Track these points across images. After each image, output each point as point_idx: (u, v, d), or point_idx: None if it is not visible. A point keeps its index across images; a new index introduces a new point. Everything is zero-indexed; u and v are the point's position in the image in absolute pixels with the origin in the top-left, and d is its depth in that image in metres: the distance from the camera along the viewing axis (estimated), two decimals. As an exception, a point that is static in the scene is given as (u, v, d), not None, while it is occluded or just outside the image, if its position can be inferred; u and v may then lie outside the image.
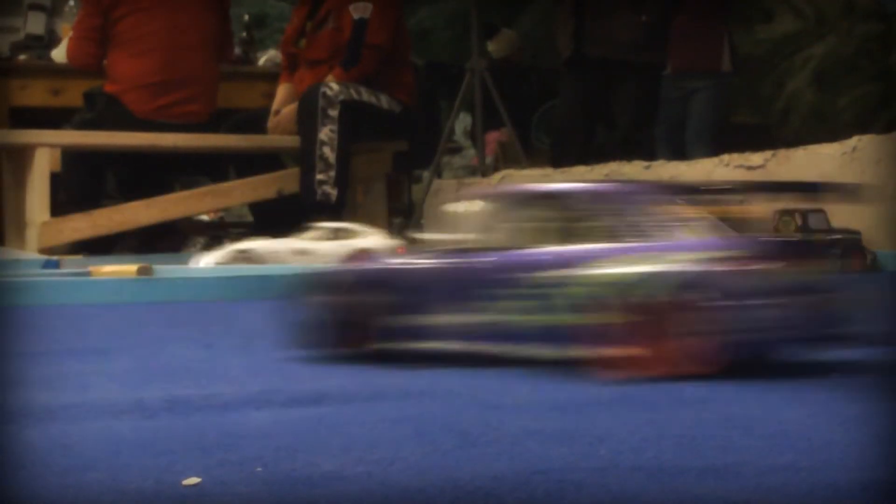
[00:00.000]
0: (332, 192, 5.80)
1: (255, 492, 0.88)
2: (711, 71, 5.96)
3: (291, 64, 6.30)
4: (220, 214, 8.54)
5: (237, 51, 6.82)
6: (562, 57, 6.03)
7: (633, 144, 5.59)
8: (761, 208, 1.80)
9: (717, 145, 6.02)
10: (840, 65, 8.49)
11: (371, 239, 3.41)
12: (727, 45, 6.10)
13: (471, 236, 1.70)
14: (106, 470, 0.95)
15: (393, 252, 3.04)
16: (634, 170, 4.90)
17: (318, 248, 3.38)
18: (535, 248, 1.63)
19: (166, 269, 3.40)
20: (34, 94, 6.36)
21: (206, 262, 3.28)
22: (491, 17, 7.86)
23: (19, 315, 2.53)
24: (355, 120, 5.85)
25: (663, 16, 5.78)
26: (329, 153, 5.77)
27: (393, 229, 6.69)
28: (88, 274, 3.20)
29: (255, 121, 6.27)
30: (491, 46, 7.94)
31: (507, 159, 7.21)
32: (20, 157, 5.56)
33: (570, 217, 1.65)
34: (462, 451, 1.01)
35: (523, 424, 1.12)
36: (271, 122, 6.16)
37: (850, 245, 3.15)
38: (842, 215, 3.49)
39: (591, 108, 5.96)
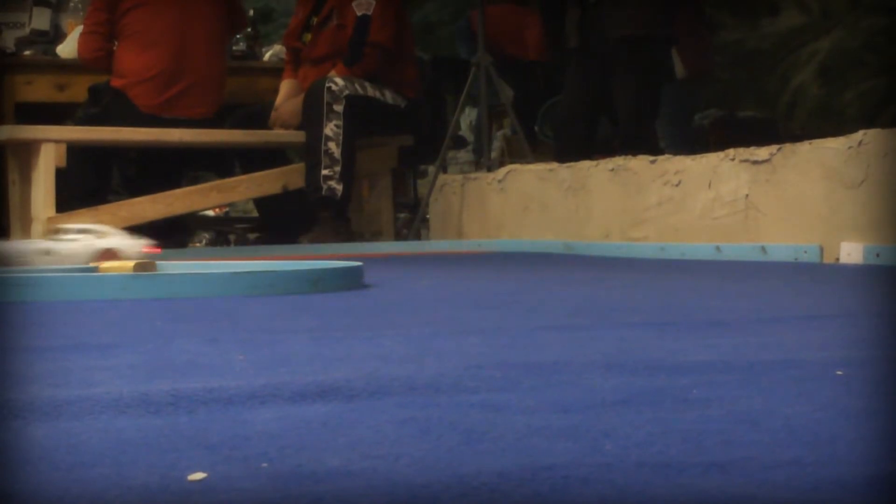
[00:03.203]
0: (338, 188, 5.82)
1: (260, 487, 0.88)
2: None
3: (294, 59, 6.32)
4: (226, 209, 8.55)
5: (242, 45, 6.83)
6: (566, 47, 6.04)
7: (637, 139, 5.60)
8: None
9: (690, 145, 6.14)
10: (846, 59, 8.50)
11: (115, 239, 3.54)
12: (677, 56, 6.27)
13: None
14: (111, 465, 0.95)
15: (138, 251, 3.46)
16: (640, 164, 4.90)
17: (62, 248, 3.50)
18: None
19: (170, 264, 3.40)
20: (39, 90, 6.38)
21: None
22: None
23: (23, 310, 2.53)
24: (360, 115, 5.87)
25: (664, 12, 5.80)
26: (334, 148, 5.79)
27: (398, 224, 6.70)
28: (96, 270, 3.20)
29: (260, 116, 6.28)
30: None
31: (512, 154, 7.22)
32: (25, 153, 5.58)
33: None
34: (467, 446, 1.01)
35: (528, 420, 1.12)
36: (271, 116, 6.18)
37: None
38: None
39: (593, 101, 5.97)
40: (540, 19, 6.92)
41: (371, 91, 5.86)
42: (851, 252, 3.83)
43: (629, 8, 5.61)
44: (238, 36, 6.85)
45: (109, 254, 3.44)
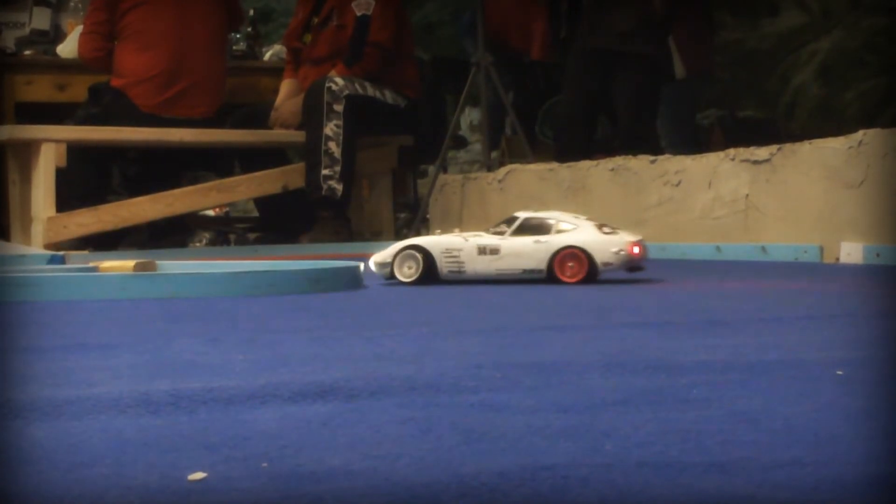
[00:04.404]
0: (338, 187, 5.82)
1: (260, 487, 0.88)
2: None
3: (295, 59, 6.32)
4: (226, 209, 8.55)
5: (242, 45, 6.82)
6: (560, 38, 6.03)
7: (637, 139, 5.60)
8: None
9: (692, 145, 6.14)
10: (846, 59, 8.49)
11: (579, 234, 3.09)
12: (678, 54, 6.27)
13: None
14: (111, 465, 0.95)
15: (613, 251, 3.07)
16: (640, 164, 4.90)
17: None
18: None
19: (171, 264, 3.40)
20: (39, 90, 6.38)
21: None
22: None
23: (24, 310, 2.53)
24: (360, 115, 5.87)
25: (662, 10, 5.80)
26: (335, 148, 5.79)
27: (398, 224, 6.70)
28: (97, 270, 3.20)
29: (260, 116, 6.28)
30: None
31: (512, 154, 7.22)
32: (25, 153, 5.58)
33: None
34: (467, 446, 1.01)
35: (528, 420, 1.12)
36: (272, 116, 6.18)
37: None
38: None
39: (593, 101, 5.96)
40: (546, 16, 6.92)
41: (371, 91, 5.86)
42: (851, 252, 3.83)
43: (620, 21, 5.60)
44: (238, 36, 6.85)
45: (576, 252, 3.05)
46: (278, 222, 6.41)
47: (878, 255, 3.71)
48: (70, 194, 5.58)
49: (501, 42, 7.28)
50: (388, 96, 5.96)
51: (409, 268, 3.16)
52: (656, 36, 5.75)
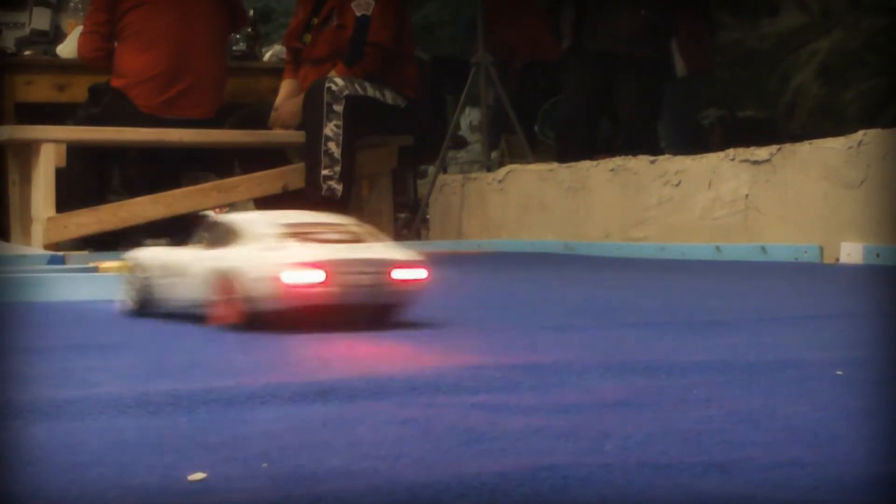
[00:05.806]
0: (338, 188, 5.82)
1: (260, 487, 0.89)
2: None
3: (295, 59, 6.31)
4: (226, 209, 8.55)
5: (242, 45, 6.82)
6: (563, 48, 6.04)
7: (638, 139, 5.60)
8: None
9: (692, 144, 6.15)
10: (846, 59, 8.49)
11: None
12: (678, 53, 6.29)
13: None
14: (111, 466, 0.95)
15: None
16: (640, 164, 4.90)
17: None
18: None
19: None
20: (39, 90, 6.37)
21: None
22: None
23: (24, 311, 2.53)
24: (360, 115, 5.86)
25: (664, 12, 5.80)
26: (334, 148, 5.79)
27: (398, 224, 6.70)
28: (96, 270, 3.20)
29: (260, 116, 6.28)
30: None
31: (512, 154, 7.22)
32: (25, 153, 5.57)
33: None
34: (467, 446, 1.01)
35: (528, 420, 1.12)
36: (271, 116, 6.18)
37: None
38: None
39: (594, 102, 5.96)
40: (543, 17, 6.92)
41: (371, 91, 5.86)
42: (851, 252, 3.83)
43: (622, 23, 5.61)
44: (238, 36, 6.84)
45: None
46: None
47: (878, 255, 3.71)
48: (70, 194, 5.58)
49: (498, 44, 7.27)
50: (388, 96, 5.96)
51: None
52: (658, 38, 5.75)
